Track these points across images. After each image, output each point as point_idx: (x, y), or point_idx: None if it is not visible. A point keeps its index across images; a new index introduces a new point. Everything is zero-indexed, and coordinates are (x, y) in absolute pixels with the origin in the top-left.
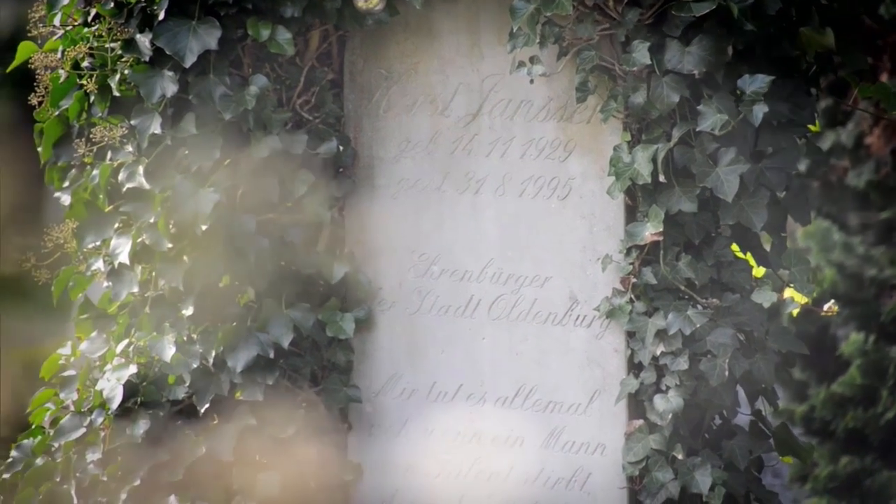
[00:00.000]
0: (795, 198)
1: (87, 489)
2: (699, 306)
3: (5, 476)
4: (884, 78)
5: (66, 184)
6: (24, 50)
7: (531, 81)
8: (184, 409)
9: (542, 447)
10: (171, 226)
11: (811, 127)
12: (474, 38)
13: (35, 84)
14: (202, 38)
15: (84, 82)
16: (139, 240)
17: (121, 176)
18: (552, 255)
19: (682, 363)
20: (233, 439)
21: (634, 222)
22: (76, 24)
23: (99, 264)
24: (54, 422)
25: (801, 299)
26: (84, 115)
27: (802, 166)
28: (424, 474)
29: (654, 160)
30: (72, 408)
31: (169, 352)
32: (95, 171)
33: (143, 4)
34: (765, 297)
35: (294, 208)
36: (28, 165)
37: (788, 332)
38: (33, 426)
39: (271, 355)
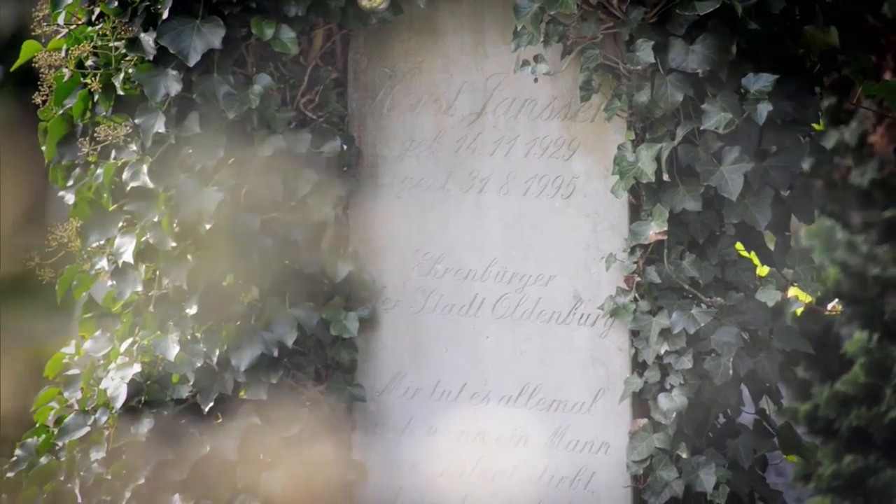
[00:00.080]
0: (799, 196)
1: (91, 488)
2: (703, 305)
3: (9, 475)
4: (887, 76)
5: (70, 183)
6: (28, 49)
7: (535, 80)
8: (188, 408)
9: (546, 446)
10: (174, 225)
11: (815, 125)
12: (478, 37)
13: (39, 83)
14: (206, 37)
15: (88, 81)
16: (143, 239)
17: (125, 175)
18: (556, 254)
19: (686, 362)
20: (237, 438)
21: (638, 221)
22: (80, 22)
23: (103, 263)
24: (58, 421)
25: (805, 298)
26: (88, 114)
27: (806, 165)
28: (428, 473)
29: (658, 159)
30: (76, 407)
31: (173, 351)
32: (99, 170)
33: (147, 3)
34: (769, 296)
35: (298, 207)
36: (32, 164)
37: (792, 330)
38: (37, 425)
39: (275, 354)
